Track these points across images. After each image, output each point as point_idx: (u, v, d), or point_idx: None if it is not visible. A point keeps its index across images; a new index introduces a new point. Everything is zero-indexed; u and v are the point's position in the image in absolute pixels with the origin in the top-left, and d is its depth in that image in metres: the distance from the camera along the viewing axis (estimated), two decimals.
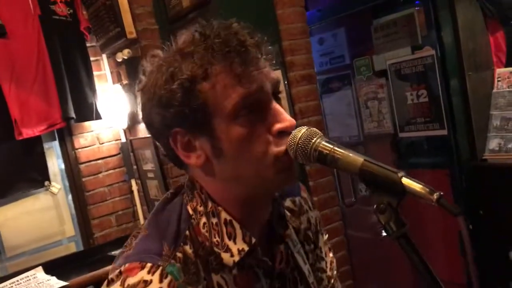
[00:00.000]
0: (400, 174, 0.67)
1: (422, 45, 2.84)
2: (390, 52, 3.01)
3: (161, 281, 0.73)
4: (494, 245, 2.62)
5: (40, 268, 2.47)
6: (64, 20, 2.82)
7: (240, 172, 0.78)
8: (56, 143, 3.07)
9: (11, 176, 2.78)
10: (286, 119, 0.77)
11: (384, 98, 3.12)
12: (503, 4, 2.76)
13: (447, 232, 2.88)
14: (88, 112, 2.90)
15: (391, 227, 0.67)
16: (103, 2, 2.67)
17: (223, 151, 0.76)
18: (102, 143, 3.09)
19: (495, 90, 2.76)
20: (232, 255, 0.79)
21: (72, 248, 3.18)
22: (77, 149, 3.02)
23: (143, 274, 0.73)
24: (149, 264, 0.74)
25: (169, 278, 0.74)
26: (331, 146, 0.73)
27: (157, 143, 0.85)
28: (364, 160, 0.70)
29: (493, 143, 2.71)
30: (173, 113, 0.76)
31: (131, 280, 0.73)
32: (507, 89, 2.71)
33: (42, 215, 3.07)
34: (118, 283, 0.73)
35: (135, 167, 3.02)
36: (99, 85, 3.01)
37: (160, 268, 0.74)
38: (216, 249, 0.79)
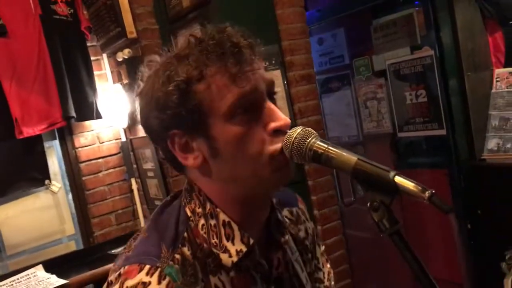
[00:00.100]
0: (392, 173, 0.68)
1: (421, 45, 2.84)
2: (389, 52, 3.02)
3: (159, 282, 0.73)
4: (492, 244, 2.63)
5: (40, 267, 2.48)
6: (65, 20, 2.83)
7: (237, 172, 0.79)
8: (56, 142, 3.09)
9: (12, 174, 2.80)
10: (280, 118, 0.78)
11: (383, 98, 3.13)
12: (501, 4, 2.77)
13: (445, 231, 2.89)
14: (88, 111, 2.92)
15: (384, 224, 0.68)
16: (103, 2, 2.68)
17: (220, 151, 0.77)
18: (102, 142, 3.11)
19: (493, 90, 2.76)
20: (230, 256, 0.80)
21: (72, 246, 3.19)
22: (77, 148, 3.03)
23: (141, 276, 0.74)
24: (147, 266, 0.75)
25: (167, 279, 0.74)
26: (326, 146, 0.74)
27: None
28: (358, 159, 0.71)
29: (491, 143, 2.72)
30: (170, 115, 0.77)
31: (129, 283, 0.73)
32: (506, 89, 2.72)
33: (43, 213, 3.08)
34: (117, 285, 0.74)
35: (135, 166, 3.04)
36: (99, 84, 3.02)
37: (159, 269, 0.75)
38: (214, 250, 0.80)
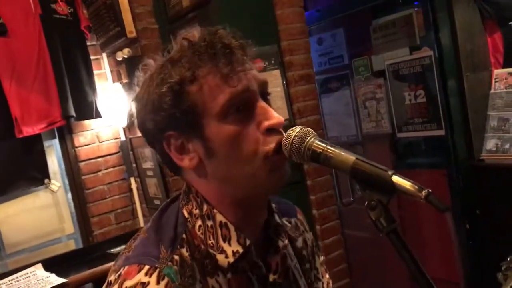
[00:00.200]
0: (390, 172, 0.69)
1: (420, 46, 2.85)
2: (388, 52, 3.03)
3: (158, 282, 0.74)
4: (491, 245, 2.64)
5: (39, 265, 2.48)
6: (65, 19, 2.83)
7: (232, 172, 0.79)
8: (56, 141, 3.09)
9: (11, 173, 2.80)
10: (273, 116, 0.79)
11: (382, 98, 3.14)
12: (500, 5, 2.77)
13: (442, 230, 2.89)
14: (88, 110, 2.92)
15: (382, 223, 0.69)
16: (103, 1, 2.68)
17: (215, 152, 0.78)
18: (102, 142, 3.11)
19: (492, 90, 2.77)
20: (227, 257, 0.80)
21: (72, 245, 3.19)
22: (77, 147, 3.03)
23: (140, 276, 0.74)
24: (146, 266, 0.75)
25: (166, 280, 0.75)
26: (324, 145, 0.75)
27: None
28: (356, 158, 0.72)
29: (490, 144, 2.73)
30: (164, 117, 0.78)
31: (128, 283, 0.74)
32: (505, 90, 2.72)
33: (42, 212, 3.08)
34: (116, 286, 0.75)
35: (134, 165, 3.04)
36: (99, 83, 3.03)
37: (158, 270, 0.75)
38: (211, 251, 0.80)
